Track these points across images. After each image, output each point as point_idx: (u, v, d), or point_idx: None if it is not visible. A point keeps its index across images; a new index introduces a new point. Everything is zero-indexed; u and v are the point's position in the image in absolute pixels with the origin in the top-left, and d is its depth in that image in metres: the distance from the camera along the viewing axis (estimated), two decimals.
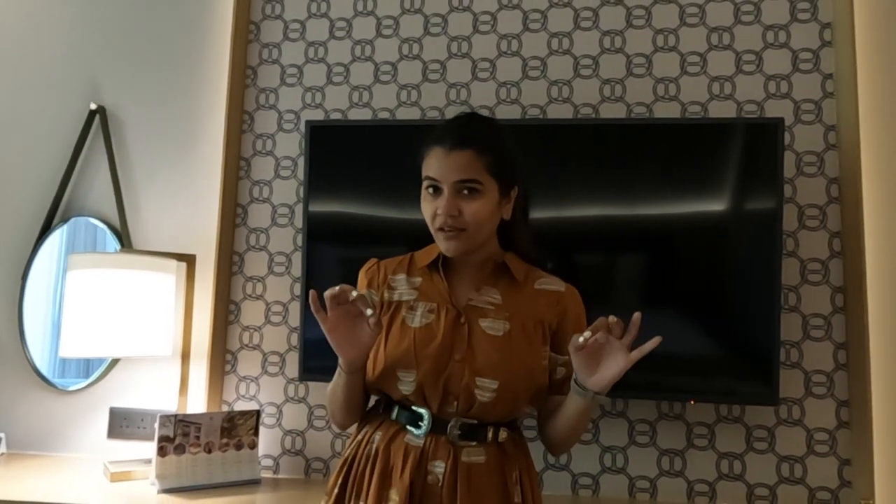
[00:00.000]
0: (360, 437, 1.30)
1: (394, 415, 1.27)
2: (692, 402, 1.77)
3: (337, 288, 1.14)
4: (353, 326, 1.19)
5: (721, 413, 1.80)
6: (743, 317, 1.70)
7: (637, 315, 1.15)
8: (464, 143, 1.22)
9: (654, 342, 1.12)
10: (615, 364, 1.15)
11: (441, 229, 1.23)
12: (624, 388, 1.71)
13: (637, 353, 1.13)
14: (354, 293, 1.14)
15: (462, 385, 1.21)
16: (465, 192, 1.21)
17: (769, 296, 1.68)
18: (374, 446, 1.26)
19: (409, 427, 1.24)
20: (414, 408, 1.24)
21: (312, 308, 1.16)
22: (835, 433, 1.75)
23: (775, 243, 1.69)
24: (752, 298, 1.69)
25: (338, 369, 1.25)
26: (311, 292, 1.15)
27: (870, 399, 1.68)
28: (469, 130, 1.26)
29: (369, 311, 1.14)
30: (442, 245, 1.26)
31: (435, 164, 1.23)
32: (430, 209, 1.25)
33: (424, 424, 1.23)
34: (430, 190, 1.25)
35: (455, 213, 1.21)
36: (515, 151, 1.30)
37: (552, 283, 1.33)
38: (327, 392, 1.33)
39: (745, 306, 1.70)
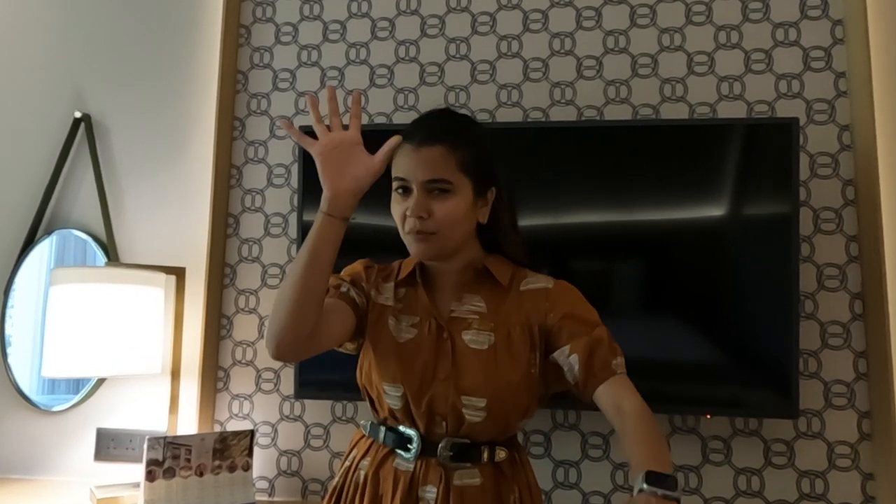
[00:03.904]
0: (347, 463, 1.24)
1: (381, 438, 1.19)
2: (708, 417, 1.70)
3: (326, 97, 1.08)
4: (349, 156, 1.08)
5: (737, 426, 1.72)
6: (759, 326, 1.63)
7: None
8: (434, 139, 1.13)
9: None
10: None
11: (410, 232, 1.15)
12: None
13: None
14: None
15: (448, 405, 1.14)
16: (436, 192, 1.13)
17: (786, 303, 1.61)
18: (363, 473, 1.19)
19: (397, 450, 1.17)
20: (402, 429, 1.17)
21: (313, 117, 1.09)
22: (857, 446, 1.68)
23: (791, 248, 1.62)
24: (768, 306, 1.62)
25: (313, 225, 1.06)
26: (309, 97, 1.11)
27: (892, 409, 1.61)
28: (440, 125, 1.18)
29: (396, 137, 1.08)
30: (412, 249, 1.17)
31: (403, 161, 1.15)
32: (399, 211, 1.16)
33: (413, 447, 1.15)
34: (400, 190, 1.16)
35: (424, 215, 1.13)
36: (491, 149, 1.22)
37: (538, 281, 1.23)
38: (281, 287, 1.08)
39: (761, 315, 1.63)
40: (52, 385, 2.03)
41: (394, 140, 1.11)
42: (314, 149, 1.08)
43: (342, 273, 1.27)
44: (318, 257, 1.06)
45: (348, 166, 1.07)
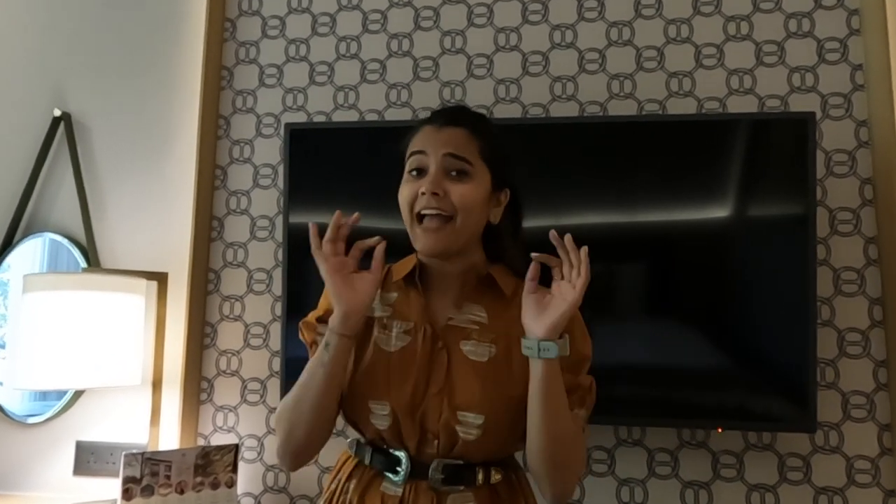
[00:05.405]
0: (333, 486, 1.16)
1: (367, 460, 1.11)
2: (719, 431, 1.60)
3: (334, 221, 1.06)
4: (351, 276, 1.07)
5: (749, 440, 1.62)
6: (774, 333, 1.54)
7: (567, 238, 1.02)
8: (457, 121, 1.11)
9: (584, 251, 1.01)
10: (562, 301, 1.00)
11: (421, 217, 1.07)
12: (642, 414, 1.59)
13: (581, 281, 0.99)
14: (356, 216, 1.07)
15: (441, 422, 1.06)
16: (454, 173, 1.07)
17: (803, 309, 1.51)
18: (348, 497, 1.11)
19: (385, 473, 1.09)
20: (390, 450, 1.09)
21: (313, 245, 1.06)
22: (877, 461, 1.58)
23: (808, 251, 1.52)
24: (783, 313, 1.53)
25: (322, 344, 1.06)
26: (311, 225, 1.06)
27: None
28: (463, 112, 1.17)
29: (375, 238, 1.07)
30: (419, 241, 1.08)
31: (423, 138, 1.11)
32: (410, 191, 1.08)
33: (402, 469, 1.07)
34: (414, 172, 1.10)
35: (440, 192, 1.05)
36: (509, 153, 1.16)
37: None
38: (289, 395, 1.10)
39: (775, 322, 1.54)
40: (44, 392, 1.94)
41: (376, 240, 1.09)
42: (327, 265, 1.06)
43: (316, 314, 1.19)
44: (333, 378, 1.07)
45: (354, 283, 1.07)
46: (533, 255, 1.02)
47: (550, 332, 0.99)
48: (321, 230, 1.06)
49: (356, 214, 1.07)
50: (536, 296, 1.03)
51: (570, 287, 0.99)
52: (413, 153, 1.10)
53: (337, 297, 1.05)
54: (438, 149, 1.08)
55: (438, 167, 1.07)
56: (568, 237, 1.01)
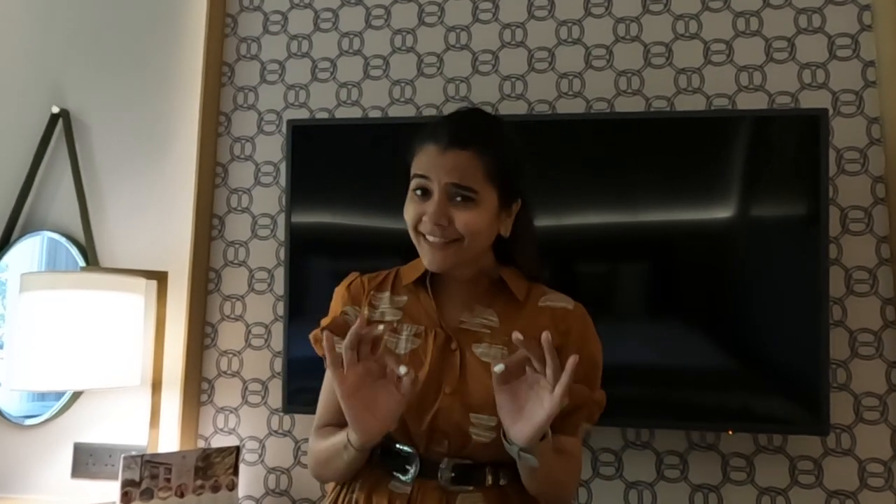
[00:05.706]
0: (338, 486, 1.14)
1: (375, 458, 1.10)
2: (730, 433, 1.57)
3: (357, 327, 0.95)
4: (376, 389, 0.98)
5: (760, 443, 1.60)
6: (785, 334, 1.51)
7: (545, 337, 0.91)
8: (462, 142, 1.05)
9: (571, 364, 0.90)
10: (540, 408, 0.92)
11: (423, 236, 1.06)
12: (651, 416, 1.56)
13: (560, 389, 0.90)
14: (381, 328, 0.97)
15: (453, 423, 1.05)
16: (459, 199, 1.05)
17: (815, 310, 1.49)
18: (354, 496, 1.09)
19: (394, 472, 1.08)
20: (398, 447, 1.08)
21: (329, 361, 0.96)
22: (890, 464, 1.55)
23: (820, 250, 1.50)
24: (795, 313, 1.50)
25: (343, 442, 1.04)
26: (326, 335, 0.97)
27: None
28: (469, 127, 1.09)
29: (402, 369, 0.95)
30: (425, 258, 1.08)
31: (426, 161, 1.06)
32: (414, 212, 1.07)
33: (412, 468, 1.06)
34: (419, 192, 1.07)
35: (444, 223, 1.04)
36: (522, 157, 1.12)
37: (559, 300, 1.14)
38: (315, 452, 1.12)
39: (787, 322, 1.51)
40: (42, 393, 1.92)
41: (405, 371, 0.96)
42: (343, 388, 0.97)
43: (325, 322, 1.17)
44: (358, 467, 1.08)
45: (377, 401, 0.99)
46: (494, 368, 0.95)
47: (529, 443, 0.94)
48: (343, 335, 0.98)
49: (381, 327, 0.98)
50: (509, 387, 0.96)
51: (547, 391, 0.91)
52: (416, 175, 1.07)
53: (353, 423, 0.98)
54: (442, 176, 1.04)
55: (442, 194, 1.04)
56: (545, 338, 0.91)
